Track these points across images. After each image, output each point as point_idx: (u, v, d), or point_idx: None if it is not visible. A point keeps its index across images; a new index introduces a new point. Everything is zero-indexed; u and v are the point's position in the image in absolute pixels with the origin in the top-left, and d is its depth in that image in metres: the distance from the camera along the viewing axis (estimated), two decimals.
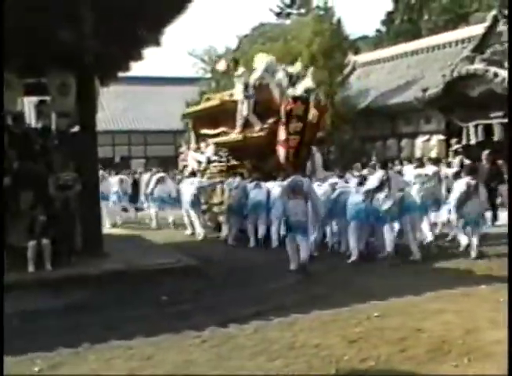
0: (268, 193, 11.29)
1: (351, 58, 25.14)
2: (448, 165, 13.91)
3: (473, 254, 9.28)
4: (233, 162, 13.62)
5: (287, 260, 8.80)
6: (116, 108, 26.98)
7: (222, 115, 13.92)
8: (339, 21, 24.08)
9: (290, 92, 12.59)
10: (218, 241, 12.33)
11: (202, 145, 15.42)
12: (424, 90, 18.19)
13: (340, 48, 23.39)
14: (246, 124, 12.93)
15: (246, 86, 13.01)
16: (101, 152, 9.80)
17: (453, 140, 16.86)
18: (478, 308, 6.06)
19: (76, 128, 9.48)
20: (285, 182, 9.23)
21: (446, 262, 8.99)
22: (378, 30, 37.11)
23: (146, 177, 16.96)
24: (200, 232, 12.78)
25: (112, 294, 7.25)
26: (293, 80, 13.11)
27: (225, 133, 13.78)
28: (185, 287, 7.57)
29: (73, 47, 8.28)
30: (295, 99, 12.17)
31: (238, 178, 12.08)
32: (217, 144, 14.05)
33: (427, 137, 19.19)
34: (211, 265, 8.99)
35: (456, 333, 5.23)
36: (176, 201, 15.00)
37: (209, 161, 14.42)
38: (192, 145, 16.42)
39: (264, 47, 27.66)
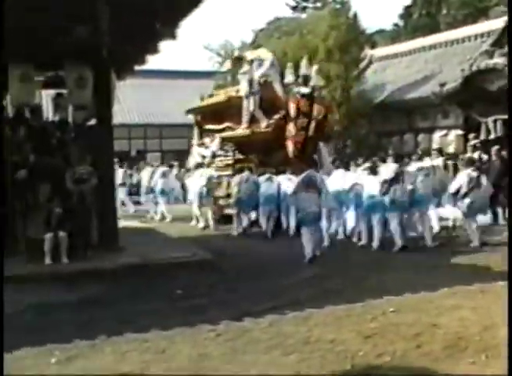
0: (279, 186, 11.74)
1: (368, 52, 24.94)
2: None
3: (475, 242, 9.73)
4: (239, 156, 14.04)
5: (301, 254, 8.99)
6: (132, 101, 27.02)
7: (228, 111, 14.40)
8: (355, 15, 23.94)
9: (297, 89, 13.06)
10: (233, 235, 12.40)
11: (206, 140, 15.82)
12: (442, 85, 17.99)
13: (356, 42, 23.22)
14: (252, 120, 13.38)
15: (251, 82, 13.45)
16: (117, 145, 9.87)
17: (471, 135, 16.65)
18: (495, 304, 5.97)
19: (92, 122, 9.53)
20: (299, 177, 9.55)
21: (462, 257, 8.92)
22: (395, 24, 36.85)
23: (147, 171, 17.18)
24: (211, 223, 13.16)
25: (127, 287, 7.29)
26: (299, 78, 13.54)
27: (230, 128, 14.23)
28: (199, 281, 7.59)
29: (90, 41, 8.31)
30: (301, 96, 12.72)
31: (248, 172, 12.37)
32: (223, 139, 14.45)
33: (444, 132, 18.98)
34: (226, 259, 9.02)
35: (472, 329, 5.16)
36: (178, 195, 15.28)
37: (214, 155, 14.86)
38: (196, 140, 16.86)
39: (279, 41, 27.61)
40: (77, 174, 8.75)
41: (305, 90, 12.87)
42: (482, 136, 16.69)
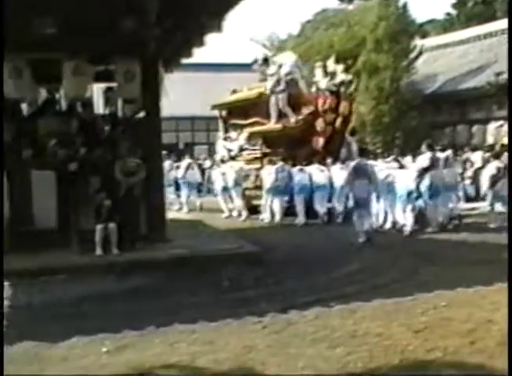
0: (310, 176, 12.61)
1: (418, 42, 24.41)
2: None
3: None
4: (266, 150, 14.87)
5: (347, 248, 9.29)
6: (179, 94, 27.25)
7: (255, 106, 15.24)
8: (405, 5, 23.42)
9: (325, 86, 14.16)
10: (278, 227, 12.43)
11: (232, 134, 16.50)
12: (498, 74, 17.47)
13: (405, 33, 22.78)
14: (281, 115, 14.36)
15: (278, 81, 14.42)
16: (165, 138, 9.96)
17: None
18: None
19: (141, 114, 9.64)
20: (350, 165, 10.48)
21: None
22: (448, 14, 35.85)
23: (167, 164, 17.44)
24: (244, 212, 13.84)
25: (175, 279, 7.35)
26: (327, 75, 14.52)
27: (258, 123, 15.11)
28: (246, 274, 7.59)
29: (139, 35, 8.39)
30: (329, 92, 13.99)
31: (282, 163, 13.07)
32: (251, 133, 15.33)
33: (499, 123, 18.43)
34: (272, 252, 8.99)
35: None
36: (203, 187, 16.34)
37: (241, 149, 15.61)
38: (221, 134, 17.49)
39: (326, 33, 27.36)
40: (126, 166, 8.87)
41: (332, 87, 14.05)
42: None
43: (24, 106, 10.02)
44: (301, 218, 12.64)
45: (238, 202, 14.10)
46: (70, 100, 9.99)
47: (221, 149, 16.73)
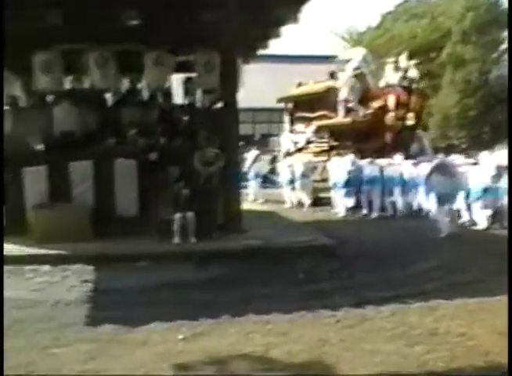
0: (381, 169, 12.61)
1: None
2: None
3: None
4: (333, 143, 15.21)
5: (425, 243, 9.06)
6: (255, 86, 27.34)
7: (323, 100, 15.55)
8: None
9: (396, 81, 14.45)
10: (350, 220, 12.34)
11: (297, 126, 16.74)
12: None
13: (496, 23, 21.79)
14: (349, 109, 14.71)
15: (348, 76, 14.87)
16: (241, 129, 9.99)
17: None
18: None
19: (219, 105, 9.71)
20: (433, 161, 10.58)
21: None
22: None
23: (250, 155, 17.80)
24: (307, 202, 14.00)
25: (250, 269, 7.37)
26: (399, 70, 14.75)
27: (325, 117, 15.46)
28: (320, 266, 7.50)
29: (218, 26, 8.45)
30: (401, 88, 14.29)
31: (353, 156, 13.15)
32: (318, 126, 15.65)
33: None
34: (348, 245, 8.84)
35: None
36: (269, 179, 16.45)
37: (308, 142, 15.93)
38: (287, 126, 17.68)
39: (407, 24, 26.61)
40: (205, 156, 8.97)
41: (404, 83, 14.34)
42: None
43: (108, 96, 10.34)
44: (372, 212, 12.68)
45: (303, 194, 14.18)
46: (151, 90, 10.19)
47: (287, 141, 16.97)
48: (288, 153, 16.26)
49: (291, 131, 17.21)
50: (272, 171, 17.47)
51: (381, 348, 4.48)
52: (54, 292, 6.31)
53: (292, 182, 14.43)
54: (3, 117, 9.00)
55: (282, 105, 19.29)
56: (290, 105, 17.87)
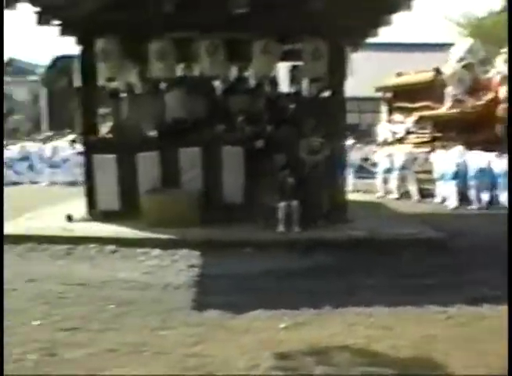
0: (489, 162, 12.12)
1: None
2: None
3: None
4: (436, 134, 14.69)
5: None
6: (362, 74, 26.78)
7: (427, 90, 15.08)
8: None
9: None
10: (457, 213, 11.85)
11: (396, 116, 16.35)
12: None
13: None
14: (456, 100, 14.21)
15: (455, 66, 14.46)
16: (348, 118, 9.88)
17: None
18: None
19: (326, 94, 9.64)
20: None
21: None
22: None
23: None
24: (416, 195, 13.62)
25: (354, 260, 7.29)
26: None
27: (428, 107, 15.05)
28: (428, 260, 7.28)
29: (326, 14, 8.36)
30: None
31: (460, 148, 12.72)
32: (420, 117, 15.21)
33: None
34: (458, 239, 8.47)
35: None
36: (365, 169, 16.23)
37: (408, 132, 15.50)
38: (385, 116, 17.39)
39: None
40: (310, 145, 8.94)
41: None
42: None
43: (217, 84, 10.56)
44: (478, 204, 12.24)
45: (412, 186, 13.88)
46: (258, 79, 10.28)
47: (384, 131, 16.63)
48: (385, 143, 15.87)
49: (389, 121, 16.90)
50: (366, 160, 17.19)
51: (501, 350, 4.25)
52: (164, 276, 6.57)
53: (389, 171, 14.20)
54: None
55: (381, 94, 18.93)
56: (389, 94, 17.54)
